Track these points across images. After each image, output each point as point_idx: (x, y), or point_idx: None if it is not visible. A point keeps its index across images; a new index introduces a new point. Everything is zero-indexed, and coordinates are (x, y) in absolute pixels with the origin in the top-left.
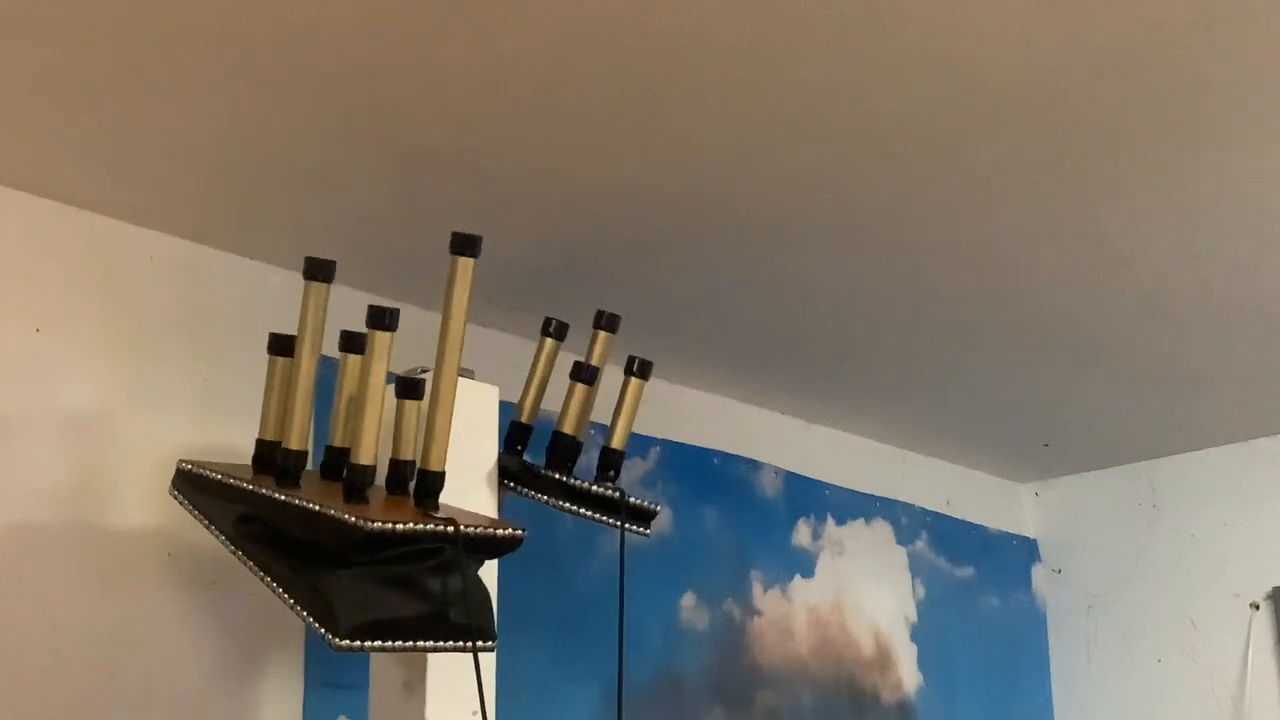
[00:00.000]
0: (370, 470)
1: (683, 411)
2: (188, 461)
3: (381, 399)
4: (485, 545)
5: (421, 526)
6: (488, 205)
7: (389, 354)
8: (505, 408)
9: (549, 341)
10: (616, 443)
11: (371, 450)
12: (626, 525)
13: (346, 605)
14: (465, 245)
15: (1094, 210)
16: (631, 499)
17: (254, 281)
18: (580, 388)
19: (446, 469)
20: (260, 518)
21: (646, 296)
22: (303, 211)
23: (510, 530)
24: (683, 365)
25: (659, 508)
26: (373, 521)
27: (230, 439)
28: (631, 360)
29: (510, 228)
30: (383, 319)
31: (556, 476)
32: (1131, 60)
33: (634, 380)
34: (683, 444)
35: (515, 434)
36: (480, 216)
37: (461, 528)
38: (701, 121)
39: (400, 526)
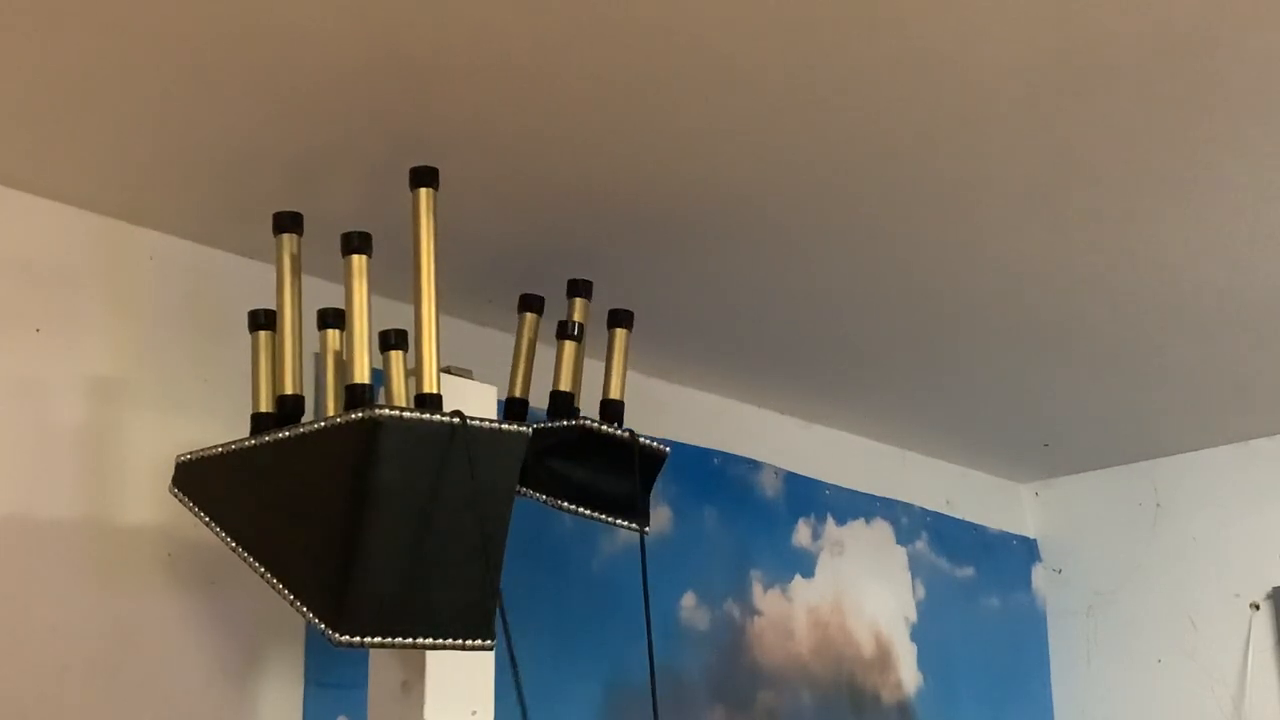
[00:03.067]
0: (368, 388)
1: (683, 411)
2: (186, 454)
3: (368, 311)
4: (492, 440)
5: (429, 416)
6: (487, 206)
7: (367, 272)
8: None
9: (529, 316)
10: (614, 393)
11: (364, 367)
12: (621, 523)
13: (362, 585)
14: (424, 177)
15: (1094, 210)
16: (641, 438)
17: (254, 281)
18: (569, 345)
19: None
20: (268, 480)
21: (647, 297)
22: (304, 211)
23: (513, 424)
24: (683, 365)
25: (668, 450)
26: (380, 408)
27: (230, 439)
28: (611, 313)
29: (509, 228)
30: (353, 242)
31: (563, 423)
32: (1132, 61)
33: (619, 330)
34: (683, 444)
35: (512, 410)
36: (480, 217)
37: (468, 419)
38: (701, 122)
39: (408, 414)
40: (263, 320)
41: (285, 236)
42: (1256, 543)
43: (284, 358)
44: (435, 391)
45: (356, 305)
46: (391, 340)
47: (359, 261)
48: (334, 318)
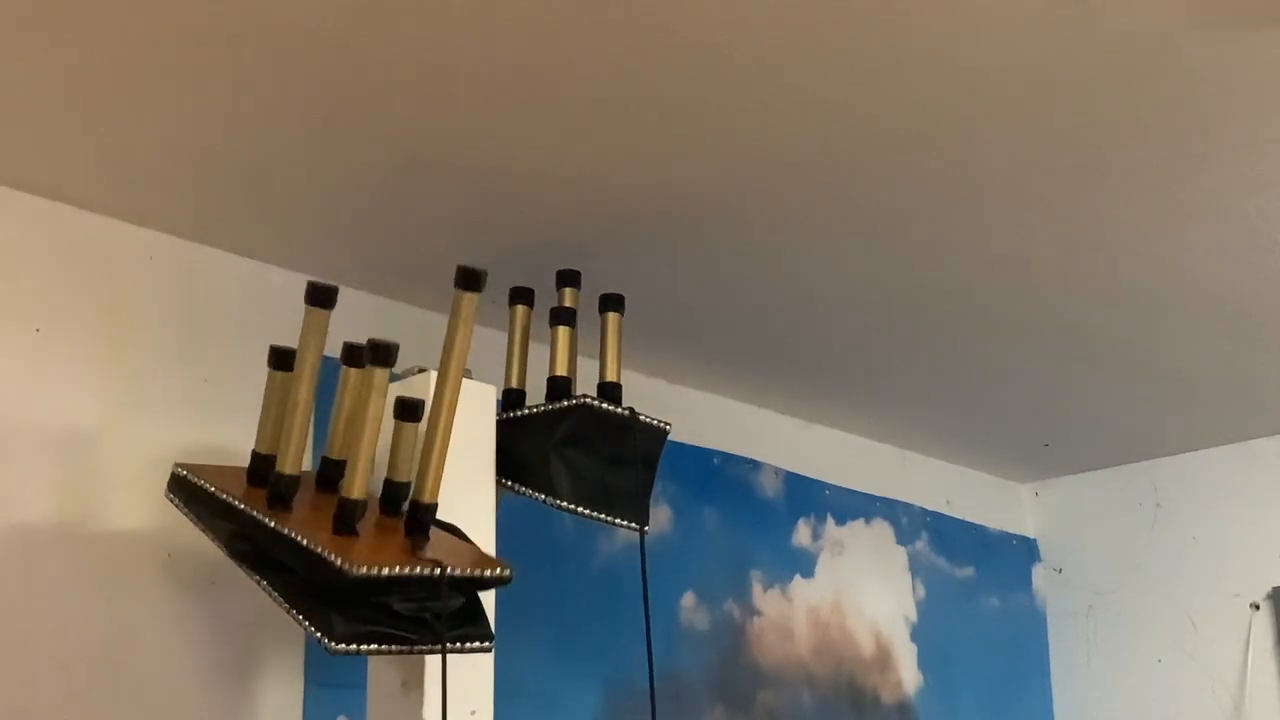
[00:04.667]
0: (361, 505)
1: (683, 411)
2: (183, 466)
3: (379, 423)
4: (472, 585)
5: (408, 570)
6: (487, 205)
7: (386, 388)
8: None
9: (519, 308)
10: (611, 375)
11: (363, 487)
12: (621, 523)
13: (341, 618)
14: (469, 280)
15: (1094, 210)
16: (641, 416)
17: (254, 281)
18: (562, 330)
19: (445, 469)
20: (250, 538)
21: (647, 297)
22: (302, 211)
23: (497, 570)
24: (683, 365)
25: (669, 426)
26: (358, 566)
27: (229, 440)
28: (602, 299)
29: (509, 228)
30: (387, 354)
31: (560, 404)
32: (1131, 61)
33: (611, 315)
34: (683, 444)
35: (510, 400)
36: (479, 216)
37: (448, 571)
38: (702, 122)
39: (385, 571)
40: (281, 361)
41: (314, 311)
42: (1256, 543)
43: (291, 436)
44: (433, 501)
45: (370, 418)
46: (406, 410)
47: (381, 375)
48: (351, 357)
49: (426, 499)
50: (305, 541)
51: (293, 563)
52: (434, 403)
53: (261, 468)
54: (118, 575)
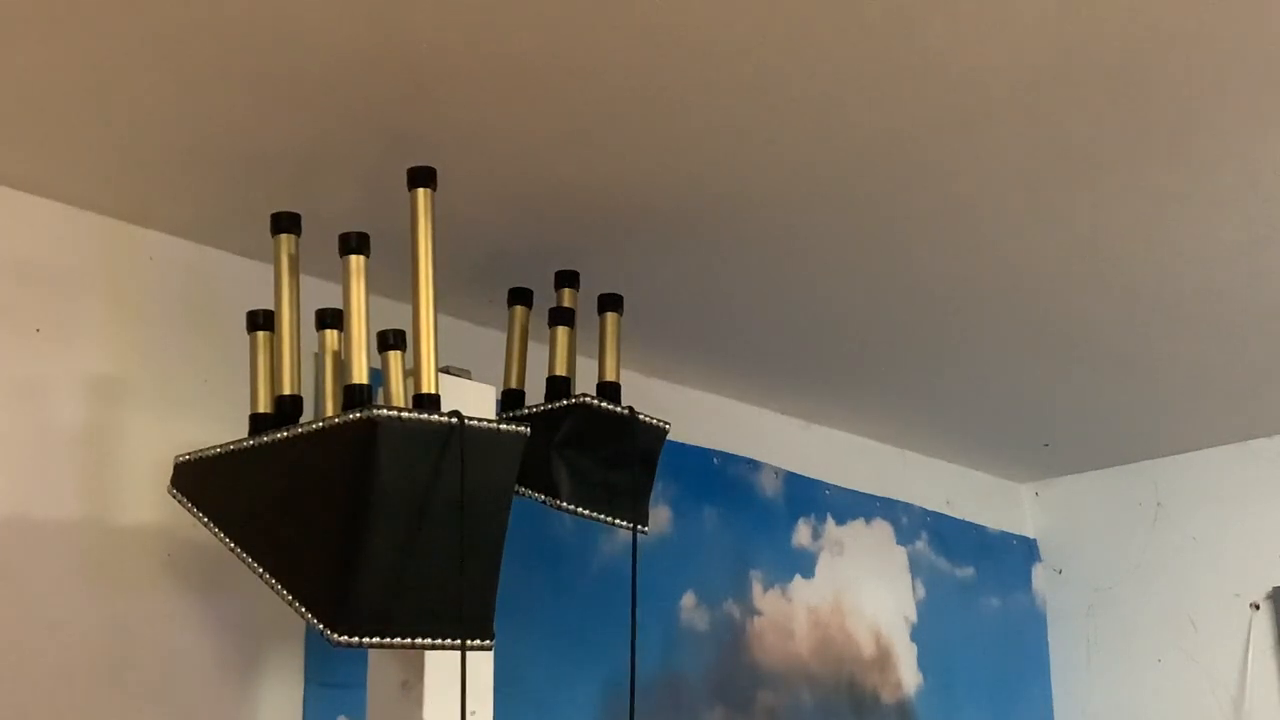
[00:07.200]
0: (366, 388)
1: (683, 411)
2: (185, 454)
3: (366, 311)
4: (490, 440)
5: (428, 416)
6: (487, 205)
7: (365, 274)
8: None
9: (519, 309)
10: (610, 375)
11: (363, 368)
12: (620, 523)
13: (361, 585)
14: (422, 178)
15: (1094, 210)
16: (641, 415)
17: (254, 281)
18: (561, 330)
19: None
20: (267, 480)
21: (647, 297)
22: (303, 211)
23: (514, 427)
24: (683, 365)
25: (668, 425)
26: (378, 408)
27: (229, 439)
28: (601, 299)
29: (509, 228)
30: (351, 243)
31: (559, 403)
32: (1131, 61)
33: (609, 315)
34: (683, 444)
35: (509, 402)
36: (478, 216)
37: (466, 419)
38: (702, 122)
39: (406, 414)
40: (261, 321)
41: (283, 237)
42: (1256, 543)
43: (282, 358)
44: (433, 392)
45: (354, 305)
46: (389, 340)
47: (357, 262)
48: (332, 318)
49: (425, 389)
50: (322, 424)
51: (310, 463)
52: (413, 309)
53: (261, 424)
54: (118, 575)
